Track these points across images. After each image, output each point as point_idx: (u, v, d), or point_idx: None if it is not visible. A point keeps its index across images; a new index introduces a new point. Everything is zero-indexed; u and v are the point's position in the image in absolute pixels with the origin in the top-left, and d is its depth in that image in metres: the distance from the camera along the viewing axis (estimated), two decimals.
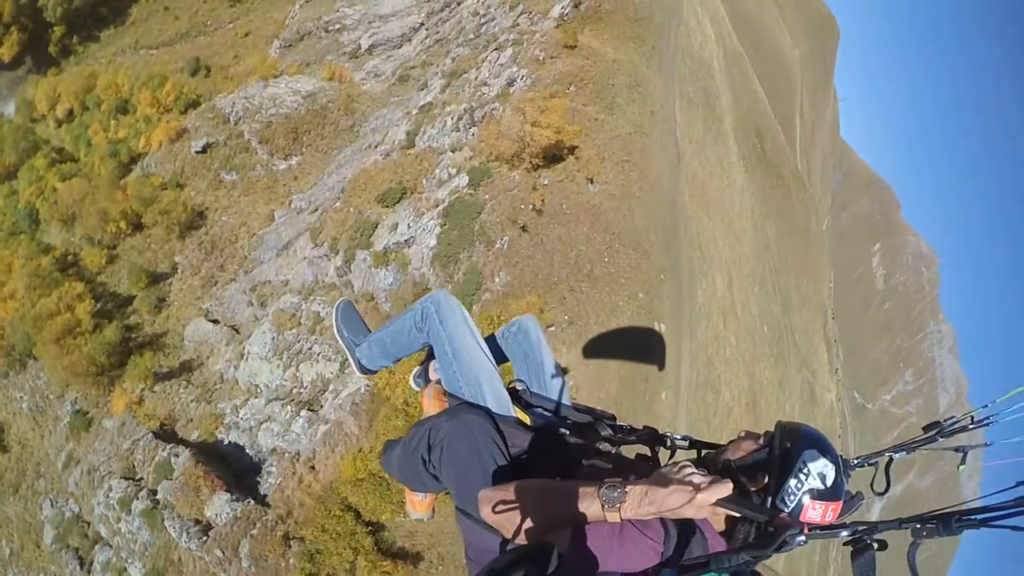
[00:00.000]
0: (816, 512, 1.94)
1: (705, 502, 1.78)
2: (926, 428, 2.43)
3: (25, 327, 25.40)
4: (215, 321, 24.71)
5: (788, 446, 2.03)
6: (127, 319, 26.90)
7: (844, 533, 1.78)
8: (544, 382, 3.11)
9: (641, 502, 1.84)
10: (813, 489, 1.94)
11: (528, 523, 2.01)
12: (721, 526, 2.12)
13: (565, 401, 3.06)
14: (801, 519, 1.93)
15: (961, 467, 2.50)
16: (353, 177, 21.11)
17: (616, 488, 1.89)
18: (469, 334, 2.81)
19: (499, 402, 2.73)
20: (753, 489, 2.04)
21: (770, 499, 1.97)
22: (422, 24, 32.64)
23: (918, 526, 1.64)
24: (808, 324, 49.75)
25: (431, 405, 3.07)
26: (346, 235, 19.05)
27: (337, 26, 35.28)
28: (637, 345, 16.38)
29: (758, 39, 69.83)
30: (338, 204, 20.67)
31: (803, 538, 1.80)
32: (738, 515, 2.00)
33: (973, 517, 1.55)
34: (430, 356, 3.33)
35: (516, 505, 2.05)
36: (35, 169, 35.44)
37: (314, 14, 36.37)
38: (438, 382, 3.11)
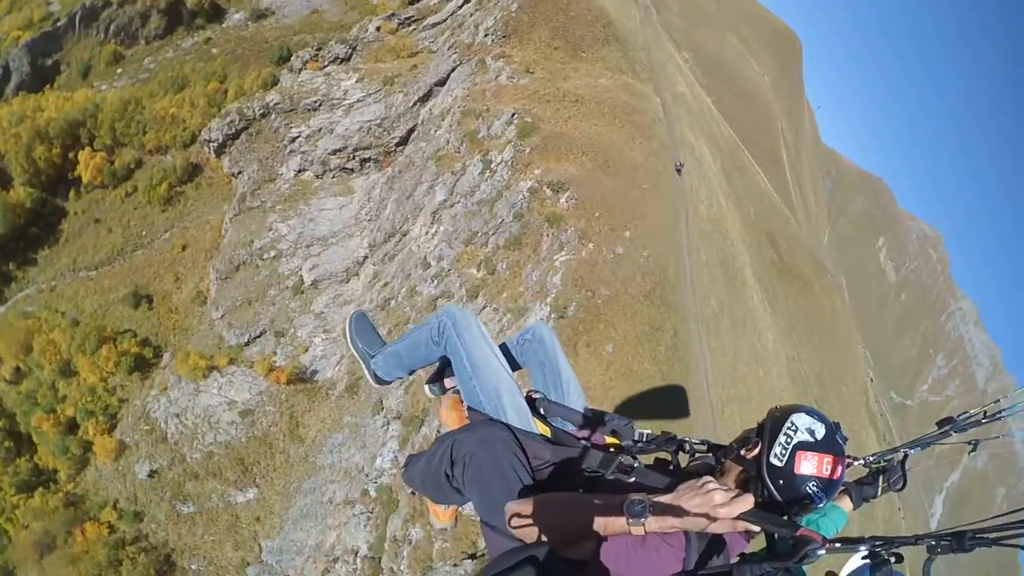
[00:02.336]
0: (810, 463, 1.96)
1: (727, 516, 1.77)
2: (940, 423, 2.56)
3: None
4: None
5: (778, 415, 2.10)
6: None
7: (862, 548, 1.73)
8: (561, 389, 3.01)
9: (665, 517, 1.83)
10: (803, 442, 1.98)
11: (554, 535, 2.02)
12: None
13: (582, 409, 2.94)
14: (795, 472, 1.95)
15: (971, 453, 2.81)
16: None
17: (640, 503, 1.87)
18: (487, 347, 2.77)
19: (520, 415, 2.68)
20: (748, 457, 2.11)
21: (764, 460, 2.01)
22: (366, 257, 27.55)
23: (933, 543, 1.65)
24: (853, 420, 44.41)
25: (449, 415, 3.01)
26: None
27: (273, 252, 30.49)
28: None
29: (731, 79, 63.67)
30: None
31: (823, 551, 1.71)
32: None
33: (986, 536, 1.58)
34: (444, 364, 3.19)
35: (542, 518, 2.08)
36: None
37: (246, 236, 31.51)
38: (455, 391, 3.09)
